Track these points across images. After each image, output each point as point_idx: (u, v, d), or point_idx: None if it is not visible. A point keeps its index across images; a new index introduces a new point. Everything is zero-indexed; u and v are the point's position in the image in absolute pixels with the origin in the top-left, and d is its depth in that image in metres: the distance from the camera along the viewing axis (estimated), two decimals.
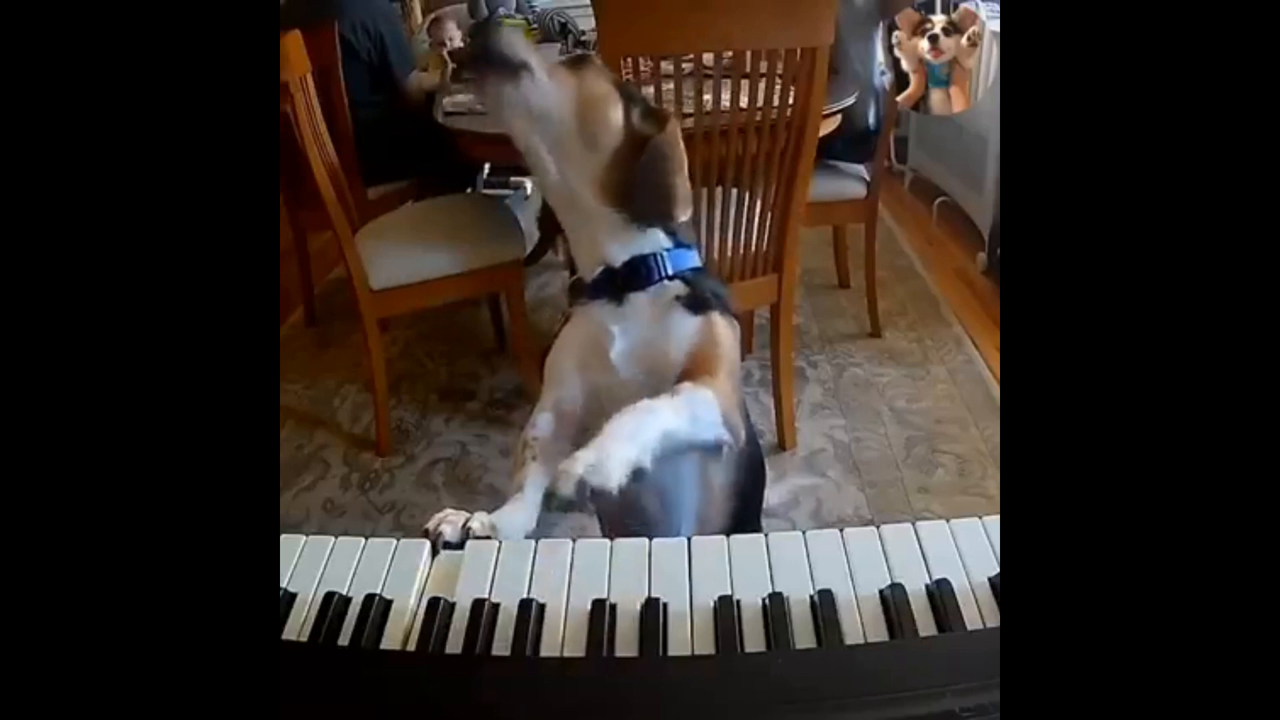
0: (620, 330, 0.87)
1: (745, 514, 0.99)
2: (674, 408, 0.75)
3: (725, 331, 0.88)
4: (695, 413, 0.76)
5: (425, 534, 0.68)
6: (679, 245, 0.91)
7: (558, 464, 0.76)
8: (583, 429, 0.90)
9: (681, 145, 0.88)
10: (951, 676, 0.47)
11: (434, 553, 0.65)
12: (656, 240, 0.89)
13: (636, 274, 0.88)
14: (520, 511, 0.79)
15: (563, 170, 0.86)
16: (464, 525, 0.69)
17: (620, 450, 0.69)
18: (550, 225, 0.97)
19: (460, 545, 0.67)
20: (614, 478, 0.66)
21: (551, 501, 0.66)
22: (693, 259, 0.92)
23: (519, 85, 0.82)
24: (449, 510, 0.72)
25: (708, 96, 1.52)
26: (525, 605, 0.57)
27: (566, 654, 0.55)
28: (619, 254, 0.88)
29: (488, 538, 0.69)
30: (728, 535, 0.64)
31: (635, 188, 0.85)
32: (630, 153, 0.86)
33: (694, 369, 0.83)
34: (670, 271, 0.88)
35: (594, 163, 0.86)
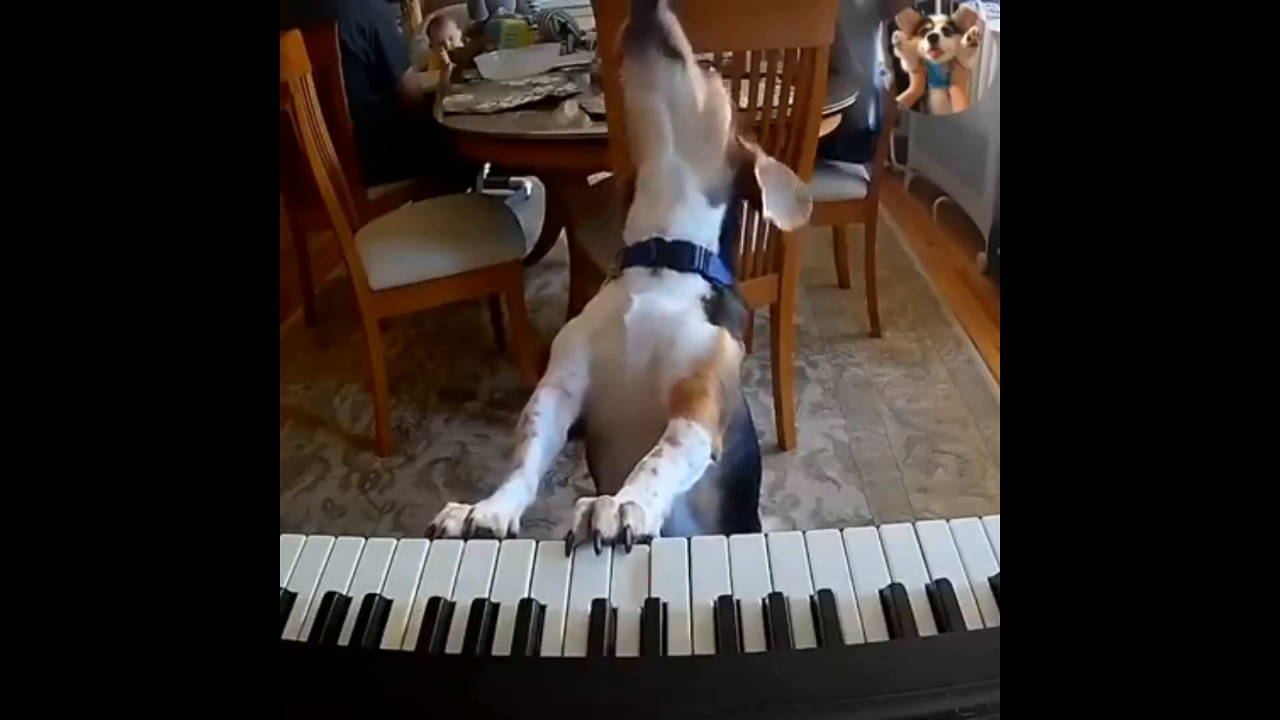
0: (641, 300, 0.91)
1: (740, 503, 1.01)
2: (674, 463, 0.77)
3: (730, 352, 0.91)
4: (692, 460, 0.79)
5: (430, 532, 0.67)
6: (722, 256, 0.96)
7: (556, 442, 0.84)
8: (585, 411, 0.92)
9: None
10: (951, 676, 0.47)
11: (568, 553, 0.64)
12: (710, 236, 0.94)
13: (679, 253, 0.93)
14: (520, 489, 0.80)
15: (679, 150, 0.92)
16: (467, 519, 0.69)
17: (644, 499, 0.70)
18: (555, 221, 0.99)
19: (464, 540, 0.67)
20: (645, 523, 0.67)
21: (571, 538, 0.64)
22: (726, 274, 0.96)
23: (673, 72, 0.89)
24: (452, 505, 0.71)
25: None
26: (525, 605, 0.57)
27: (566, 654, 0.55)
28: (676, 229, 0.93)
29: (490, 532, 0.69)
30: (724, 526, 0.64)
31: (784, 203, 0.95)
32: (727, 157, 0.95)
33: (692, 383, 0.86)
34: (706, 268, 0.93)
35: (704, 161, 0.93)
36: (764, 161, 0.96)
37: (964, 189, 3.03)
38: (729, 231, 0.97)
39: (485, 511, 0.72)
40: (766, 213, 0.97)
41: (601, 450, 0.99)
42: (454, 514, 0.70)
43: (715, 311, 0.91)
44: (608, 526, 0.64)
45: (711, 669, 0.51)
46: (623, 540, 0.63)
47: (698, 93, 0.91)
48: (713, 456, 0.82)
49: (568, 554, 0.62)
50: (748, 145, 0.99)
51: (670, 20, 0.87)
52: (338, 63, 2.31)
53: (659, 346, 0.88)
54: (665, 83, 0.89)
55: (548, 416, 0.88)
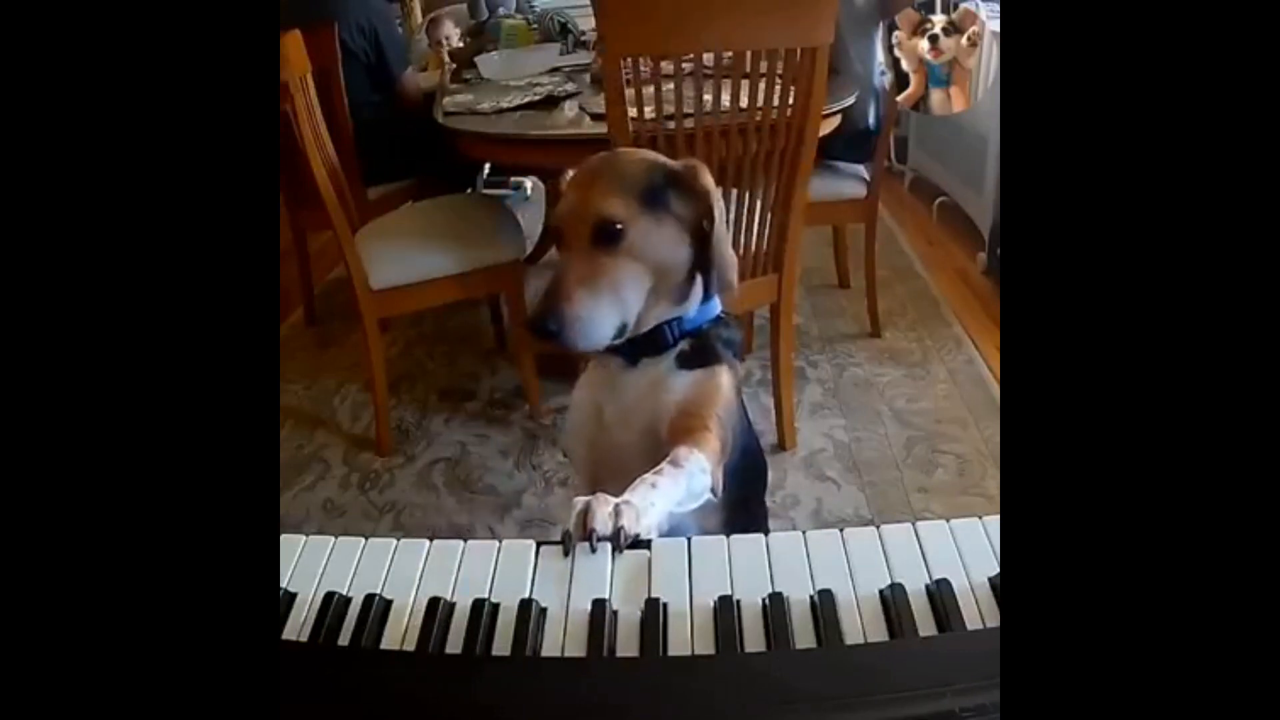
0: (620, 391, 0.90)
1: (744, 516, 1.00)
2: (674, 482, 0.77)
3: (723, 379, 0.90)
4: (691, 486, 0.79)
5: (566, 538, 0.64)
6: (707, 297, 0.93)
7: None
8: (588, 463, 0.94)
9: (718, 196, 0.90)
10: (951, 676, 0.47)
11: (565, 552, 0.63)
12: (685, 306, 0.91)
13: (655, 341, 0.90)
14: None
15: (643, 311, 0.87)
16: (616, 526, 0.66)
17: (642, 504, 0.70)
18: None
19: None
20: (637, 525, 0.67)
21: (569, 537, 0.64)
22: (715, 308, 0.94)
23: (578, 336, 0.82)
24: (586, 501, 0.66)
25: (708, 96, 1.52)
26: (525, 605, 0.57)
27: (566, 654, 0.55)
28: (648, 324, 0.89)
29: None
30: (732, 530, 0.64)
31: (705, 276, 0.89)
32: (684, 241, 0.88)
33: (686, 419, 0.86)
34: (683, 330, 0.91)
35: (664, 285, 0.88)
36: (711, 200, 0.88)
37: (964, 189, 3.03)
38: (707, 271, 0.91)
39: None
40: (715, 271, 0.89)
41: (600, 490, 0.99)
42: (601, 521, 0.65)
43: (698, 359, 0.90)
44: (603, 525, 0.64)
45: (711, 669, 0.51)
46: (616, 539, 0.63)
47: (641, 286, 0.85)
48: (713, 492, 0.82)
49: (566, 554, 0.62)
50: (685, 173, 0.88)
51: (576, 336, 0.82)
52: (338, 63, 2.31)
53: (646, 416, 0.89)
54: (586, 341, 0.83)
55: None
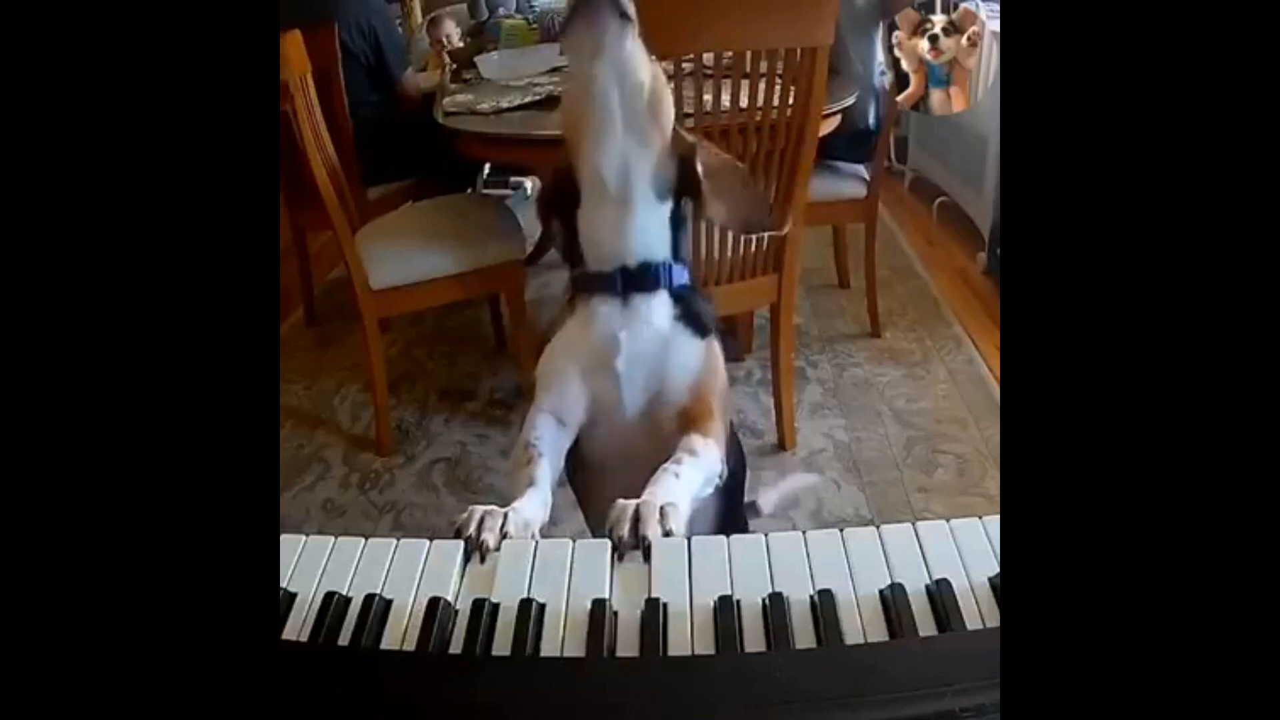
0: (627, 336, 0.88)
1: (730, 504, 1.02)
2: (693, 473, 0.78)
3: (719, 359, 0.91)
4: (708, 474, 0.80)
5: (458, 534, 0.65)
6: (678, 259, 0.92)
7: (558, 465, 0.83)
8: (580, 442, 0.92)
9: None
10: (951, 676, 0.47)
11: (467, 556, 0.64)
12: (663, 238, 0.90)
13: (645, 277, 0.89)
14: (538, 505, 0.78)
15: (628, 134, 0.85)
16: (501, 530, 0.67)
17: (680, 503, 0.71)
18: (550, 218, 0.97)
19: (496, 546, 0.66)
20: (681, 526, 0.68)
21: (624, 542, 0.64)
22: (685, 276, 0.93)
23: (624, 38, 0.81)
24: (477, 509, 0.68)
25: (708, 96, 1.52)
26: (525, 605, 0.57)
27: (566, 654, 0.55)
28: (636, 253, 0.89)
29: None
30: (717, 526, 0.65)
31: (735, 204, 0.92)
32: (669, 158, 0.89)
33: (696, 406, 0.86)
34: (670, 282, 0.90)
35: (652, 146, 0.87)
36: (708, 156, 0.91)
37: (964, 189, 3.03)
38: (679, 229, 0.92)
39: (517, 524, 0.69)
40: (709, 213, 0.91)
41: (594, 478, 0.99)
42: (489, 526, 0.66)
43: (695, 323, 0.89)
44: (654, 532, 0.65)
45: (711, 669, 0.51)
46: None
47: (645, 65, 0.84)
48: (720, 475, 0.83)
49: (622, 559, 0.62)
50: (689, 137, 0.93)
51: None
52: (338, 63, 2.31)
53: (654, 380, 0.88)
54: (615, 49, 0.80)
55: (548, 440, 0.87)
